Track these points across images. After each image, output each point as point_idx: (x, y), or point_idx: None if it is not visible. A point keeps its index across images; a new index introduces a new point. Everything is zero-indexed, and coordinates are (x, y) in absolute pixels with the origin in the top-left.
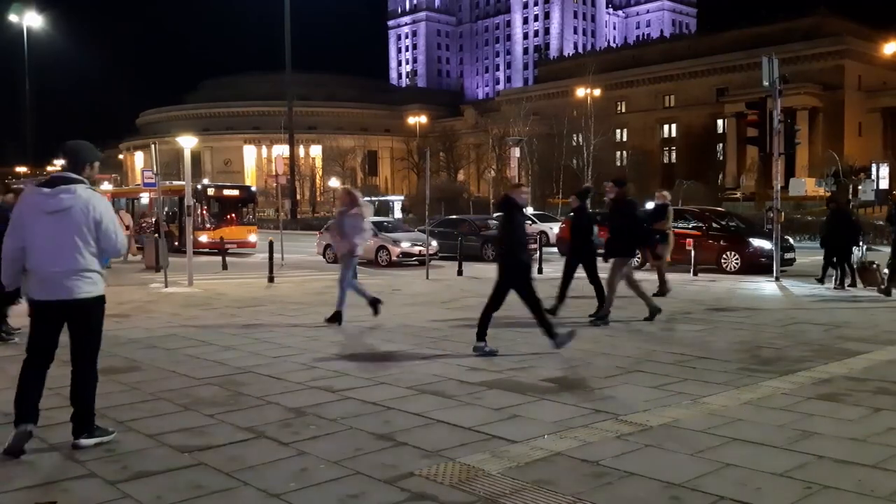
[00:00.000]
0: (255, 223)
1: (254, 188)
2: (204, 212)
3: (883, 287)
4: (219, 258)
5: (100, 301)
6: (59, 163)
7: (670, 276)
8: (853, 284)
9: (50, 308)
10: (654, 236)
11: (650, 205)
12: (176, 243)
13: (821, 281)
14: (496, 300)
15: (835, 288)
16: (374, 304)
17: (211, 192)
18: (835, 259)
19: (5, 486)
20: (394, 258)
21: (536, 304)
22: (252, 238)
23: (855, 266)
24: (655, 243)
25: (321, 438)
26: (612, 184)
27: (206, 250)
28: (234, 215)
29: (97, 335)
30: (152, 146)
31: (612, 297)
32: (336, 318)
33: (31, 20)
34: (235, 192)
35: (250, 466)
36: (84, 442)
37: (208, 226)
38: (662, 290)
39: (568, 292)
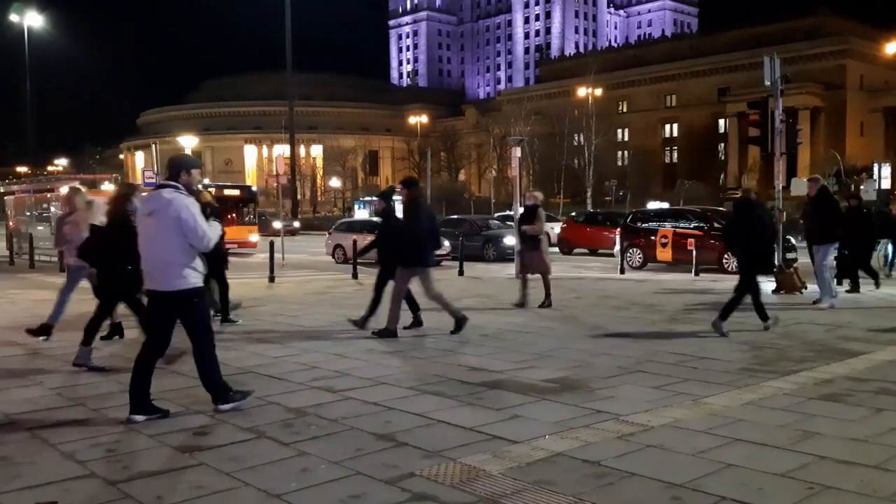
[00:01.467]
0: (255, 223)
1: (255, 188)
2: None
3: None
4: None
5: (193, 292)
6: (59, 163)
7: (671, 277)
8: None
9: (151, 296)
10: (527, 242)
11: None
12: None
13: (855, 286)
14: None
15: (847, 291)
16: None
17: (211, 191)
18: (854, 259)
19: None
20: None
21: None
22: (253, 238)
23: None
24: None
25: (322, 439)
26: (401, 186)
27: None
28: (234, 215)
29: (199, 320)
30: (153, 146)
31: (397, 310)
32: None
33: (32, 20)
34: (236, 192)
35: (251, 466)
36: (221, 407)
37: None
38: (523, 301)
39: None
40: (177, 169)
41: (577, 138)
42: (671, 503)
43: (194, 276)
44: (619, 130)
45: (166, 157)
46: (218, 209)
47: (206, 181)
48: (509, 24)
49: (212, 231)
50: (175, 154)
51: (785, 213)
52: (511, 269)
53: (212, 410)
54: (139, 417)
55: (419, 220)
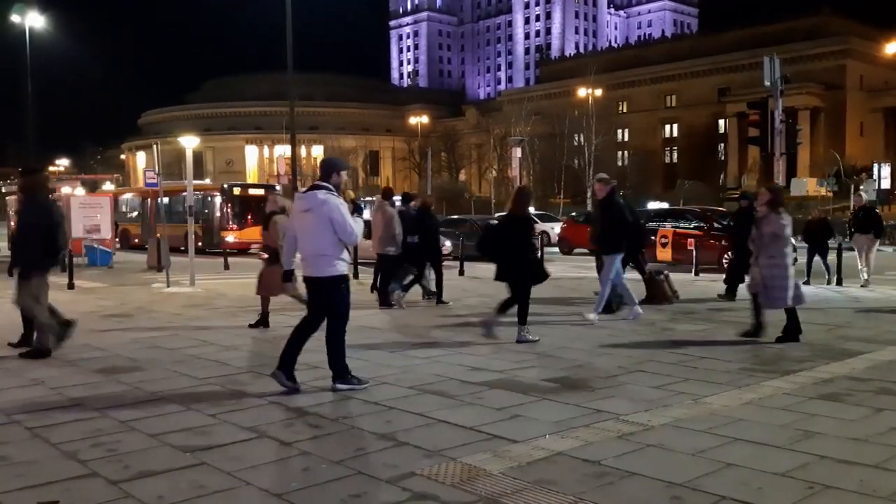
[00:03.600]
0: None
1: (278, 187)
2: (230, 211)
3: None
4: (219, 258)
5: (339, 279)
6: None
7: (673, 277)
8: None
9: (307, 281)
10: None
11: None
12: (199, 243)
13: (730, 294)
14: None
15: (861, 286)
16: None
17: (237, 191)
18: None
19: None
20: None
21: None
22: None
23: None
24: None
25: (323, 438)
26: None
27: (229, 252)
28: (259, 216)
29: (338, 305)
30: (154, 146)
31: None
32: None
33: (33, 21)
34: (260, 192)
35: (252, 466)
36: (339, 385)
37: (235, 226)
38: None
39: None
40: (329, 170)
41: (577, 138)
42: (671, 503)
43: (342, 266)
44: (620, 131)
45: (167, 157)
46: (361, 207)
47: (231, 181)
48: (510, 24)
49: (357, 227)
50: (326, 157)
51: None
52: None
53: (331, 387)
54: (288, 383)
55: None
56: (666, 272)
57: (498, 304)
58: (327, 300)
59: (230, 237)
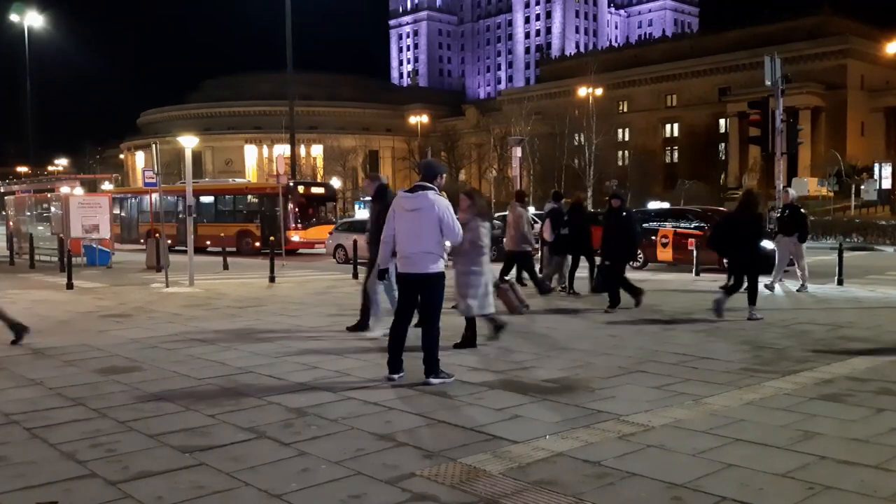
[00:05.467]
0: (333, 222)
1: (336, 185)
2: (294, 210)
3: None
4: (220, 258)
5: (441, 276)
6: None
7: (672, 277)
8: None
9: (407, 279)
10: None
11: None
12: (256, 244)
13: (614, 301)
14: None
15: (797, 290)
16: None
17: (300, 189)
18: None
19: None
20: None
21: None
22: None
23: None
24: None
25: (322, 439)
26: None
27: (294, 251)
28: (319, 214)
29: (439, 300)
30: (153, 146)
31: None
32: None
33: (32, 20)
34: (321, 190)
35: (251, 467)
36: (432, 380)
37: (300, 225)
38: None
39: None
40: (433, 173)
41: (577, 138)
42: (672, 503)
43: (442, 263)
44: (620, 130)
45: (166, 157)
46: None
47: (296, 178)
48: (510, 23)
49: (458, 227)
50: (426, 160)
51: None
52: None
53: (421, 382)
54: (395, 375)
55: None
56: (511, 281)
57: (724, 287)
58: (430, 296)
59: (295, 237)
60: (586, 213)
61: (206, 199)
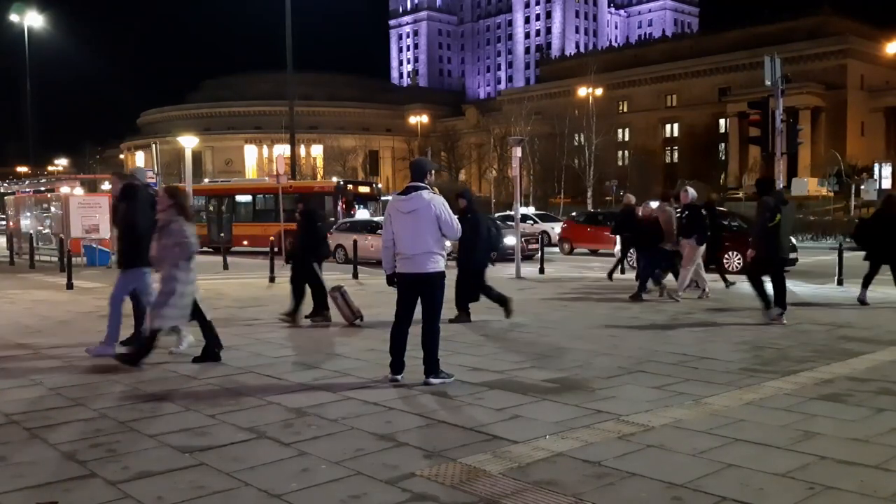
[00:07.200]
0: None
1: (380, 185)
2: (343, 209)
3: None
4: (219, 257)
5: (441, 275)
6: (59, 163)
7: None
8: None
9: (408, 279)
10: None
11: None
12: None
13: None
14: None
15: (699, 298)
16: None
17: (349, 188)
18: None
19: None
20: None
21: None
22: None
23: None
24: None
25: (322, 439)
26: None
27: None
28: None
29: (439, 300)
30: (153, 146)
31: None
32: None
33: (32, 20)
34: (367, 189)
35: (251, 467)
36: (432, 380)
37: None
38: None
39: None
40: (423, 171)
41: (577, 138)
42: (672, 503)
43: (443, 262)
44: (620, 130)
45: (166, 156)
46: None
47: (336, 178)
48: (510, 23)
49: (457, 223)
50: (415, 158)
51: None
52: (511, 268)
53: (421, 382)
54: (398, 376)
55: None
56: (343, 289)
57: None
58: (431, 295)
59: None
60: (716, 212)
61: (244, 198)
